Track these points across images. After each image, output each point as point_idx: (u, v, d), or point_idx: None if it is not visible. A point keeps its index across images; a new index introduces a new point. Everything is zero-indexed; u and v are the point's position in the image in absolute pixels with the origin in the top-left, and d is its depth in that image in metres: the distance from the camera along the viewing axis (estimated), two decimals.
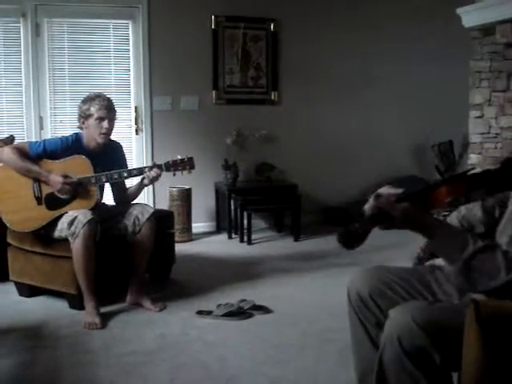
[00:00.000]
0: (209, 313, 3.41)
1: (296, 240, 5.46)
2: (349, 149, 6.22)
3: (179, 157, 3.61)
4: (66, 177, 3.39)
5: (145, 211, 3.56)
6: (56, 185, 3.39)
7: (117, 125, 3.77)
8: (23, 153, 3.45)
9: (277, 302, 3.64)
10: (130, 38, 5.61)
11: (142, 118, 5.64)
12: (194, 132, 5.72)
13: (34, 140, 5.32)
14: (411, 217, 1.58)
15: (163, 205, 5.39)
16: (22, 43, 5.39)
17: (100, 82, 5.51)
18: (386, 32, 6.11)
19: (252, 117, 5.85)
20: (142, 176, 3.59)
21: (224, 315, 3.34)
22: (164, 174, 3.60)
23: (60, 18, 5.46)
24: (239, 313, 3.39)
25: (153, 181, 3.58)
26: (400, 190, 1.63)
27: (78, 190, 3.43)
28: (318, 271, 4.38)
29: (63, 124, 5.44)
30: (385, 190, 1.63)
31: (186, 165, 3.61)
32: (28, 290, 3.78)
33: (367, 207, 1.62)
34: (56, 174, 3.40)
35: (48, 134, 5.41)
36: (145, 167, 3.63)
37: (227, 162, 5.62)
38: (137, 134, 5.66)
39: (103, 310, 3.46)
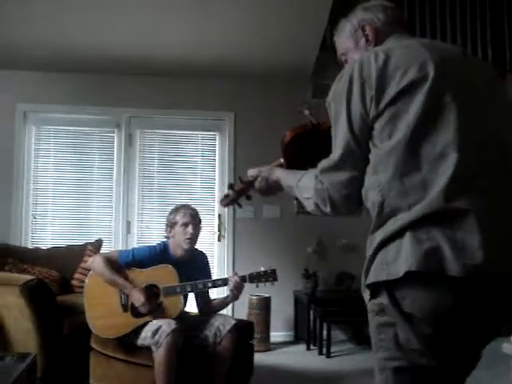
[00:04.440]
0: None
1: None
2: None
3: (262, 268, 3.64)
4: (152, 288, 3.47)
5: (226, 323, 3.55)
6: (137, 302, 3.47)
7: (201, 232, 3.86)
8: (112, 262, 3.55)
9: None
10: (217, 148, 5.86)
11: (224, 225, 5.77)
12: (275, 240, 5.77)
13: (120, 243, 5.53)
14: (263, 179, 1.99)
15: (242, 313, 5.38)
16: (115, 152, 5.72)
17: (186, 190, 5.74)
18: None
19: (333, 225, 5.85)
20: (226, 286, 3.63)
21: None
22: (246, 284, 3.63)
23: (152, 130, 5.80)
24: None
25: (237, 293, 3.60)
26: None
27: (159, 305, 3.49)
28: None
29: (149, 229, 5.63)
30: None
31: (269, 277, 3.62)
32: None
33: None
34: (139, 290, 3.48)
35: (134, 239, 5.59)
36: (229, 278, 3.66)
37: (307, 270, 5.60)
38: (219, 240, 5.78)
39: None
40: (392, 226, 1.45)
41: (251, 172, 2.05)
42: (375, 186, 1.50)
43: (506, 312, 1.46)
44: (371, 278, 1.48)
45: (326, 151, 1.67)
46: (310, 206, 1.69)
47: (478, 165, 1.43)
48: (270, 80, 5.79)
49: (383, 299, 1.46)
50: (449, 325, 1.41)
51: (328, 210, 1.62)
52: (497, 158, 1.47)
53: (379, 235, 1.49)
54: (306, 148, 1.87)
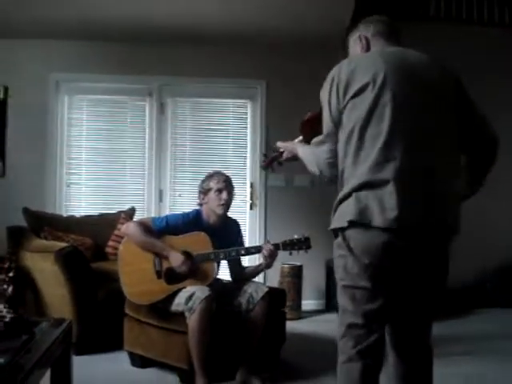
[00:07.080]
0: None
1: None
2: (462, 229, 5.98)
3: (296, 236, 3.62)
4: (187, 255, 3.48)
5: (259, 290, 3.56)
6: (175, 262, 3.48)
7: (233, 200, 3.86)
8: (147, 228, 3.57)
9: None
10: (248, 116, 5.83)
11: (256, 193, 5.76)
12: (307, 208, 5.73)
13: (153, 212, 5.56)
14: (289, 152, 2.54)
15: (274, 281, 5.39)
16: (147, 120, 5.73)
17: (218, 158, 5.73)
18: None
19: None
20: (259, 254, 3.63)
21: None
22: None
23: (183, 98, 5.79)
24: None
25: (270, 261, 3.60)
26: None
27: (196, 267, 3.50)
28: None
29: (182, 198, 5.65)
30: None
31: (303, 244, 3.61)
32: (140, 361, 3.82)
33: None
34: (177, 251, 3.50)
35: (167, 207, 5.62)
36: (262, 245, 3.66)
37: None
38: (251, 209, 5.78)
39: None
40: (346, 189, 2.04)
41: (279, 144, 2.63)
42: (340, 159, 2.10)
43: (423, 260, 2.05)
44: (333, 225, 2.09)
45: None
46: (311, 171, 2.24)
47: (400, 147, 1.97)
48: (301, 47, 5.70)
49: (340, 238, 2.07)
50: (378, 259, 1.98)
51: (318, 173, 2.20)
52: (416, 143, 2.01)
53: (340, 195, 2.07)
54: (316, 128, 2.27)
